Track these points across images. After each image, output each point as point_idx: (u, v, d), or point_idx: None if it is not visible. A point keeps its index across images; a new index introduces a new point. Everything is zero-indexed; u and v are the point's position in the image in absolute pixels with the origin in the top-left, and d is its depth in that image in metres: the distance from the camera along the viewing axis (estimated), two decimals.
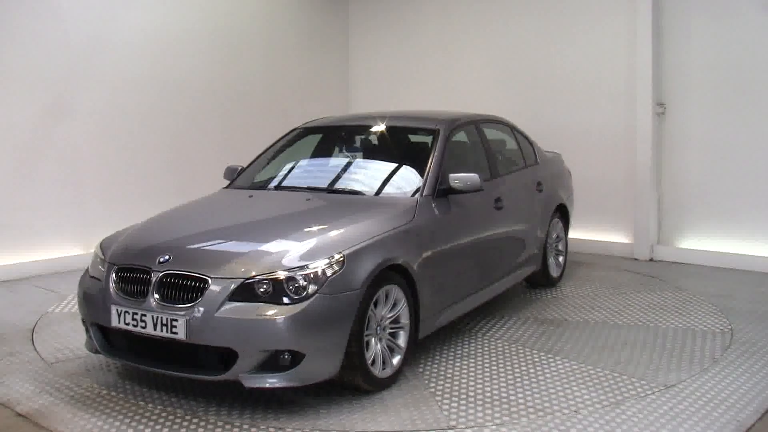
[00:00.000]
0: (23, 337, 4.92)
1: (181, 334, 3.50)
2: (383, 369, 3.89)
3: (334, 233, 3.89)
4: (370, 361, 3.77)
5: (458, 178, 4.55)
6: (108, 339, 3.95)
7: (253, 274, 3.52)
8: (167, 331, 3.54)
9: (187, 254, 3.78)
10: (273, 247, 3.75)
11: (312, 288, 3.51)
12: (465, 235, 4.77)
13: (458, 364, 4.32)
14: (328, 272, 3.57)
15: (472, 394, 3.87)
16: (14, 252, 6.76)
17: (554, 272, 6.30)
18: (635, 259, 7.48)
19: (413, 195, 4.50)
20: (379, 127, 5.35)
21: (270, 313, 3.43)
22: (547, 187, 6.10)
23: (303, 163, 5.36)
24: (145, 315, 3.61)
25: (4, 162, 6.72)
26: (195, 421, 3.54)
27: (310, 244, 3.76)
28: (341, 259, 3.64)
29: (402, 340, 4.03)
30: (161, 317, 3.56)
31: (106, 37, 7.41)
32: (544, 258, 6.04)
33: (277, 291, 3.49)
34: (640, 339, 4.78)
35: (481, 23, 8.79)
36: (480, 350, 4.59)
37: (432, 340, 4.69)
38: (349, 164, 5.26)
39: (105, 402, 3.78)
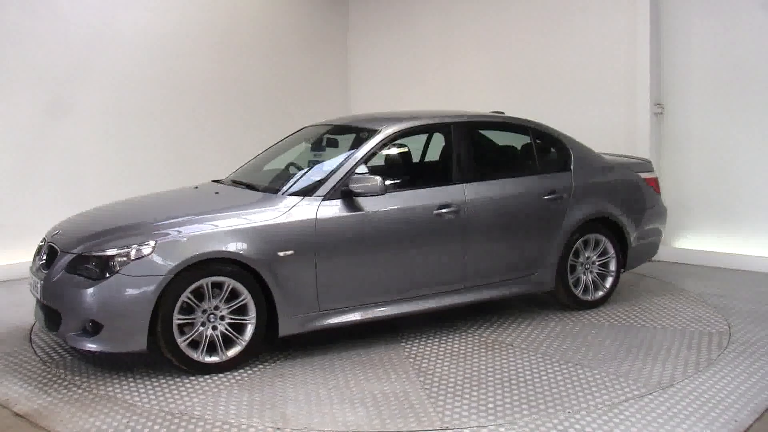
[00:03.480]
0: (22, 337, 4.93)
1: (39, 295, 4.26)
2: (210, 356, 4.14)
3: (174, 223, 4.20)
4: (184, 343, 4.06)
5: (356, 180, 4.45)
6: None
7: (81, 251, 4.11)
8: (36, 292, 4.32)
9: (68, 231, 4.47)
10: (115, 230, 4.22)
11: (116, 269, 3.97)
12: (369, 240, 4.54)
13: (311, 366, 4.30)
14: (130, 256, 3.99)
15: (258, 393, 3.88)
16: (14, 252, 6.76)
17: (586, 294, 5.45)
18: None
19: (303, 194, 4.46)
20: (346, 128, 5.46)
21: (77, 285, 4.02)
22: (573, 198, 5.33)
23: (268, 160, 5.56)
24: (32, 277, 4.42)
25: (4, 161, 6.73)
26: (193, 420, 3.54)
27: (139, 230, 4.17)
28: (150, 245, 4.01)
29: (248, 333, 4.23)
30: (35, 280, 4.34)
31: (106, 36, 7.41)
32: (564, 278, 5.32)
33: (94, 267, 4.04)
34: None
35: (481, 23, 8.79)
36: (356, 358, 4.41)
37: (339, 338, 4.70)
38: (302, 162, 5.31)
39: (104, 402, 3.79)
